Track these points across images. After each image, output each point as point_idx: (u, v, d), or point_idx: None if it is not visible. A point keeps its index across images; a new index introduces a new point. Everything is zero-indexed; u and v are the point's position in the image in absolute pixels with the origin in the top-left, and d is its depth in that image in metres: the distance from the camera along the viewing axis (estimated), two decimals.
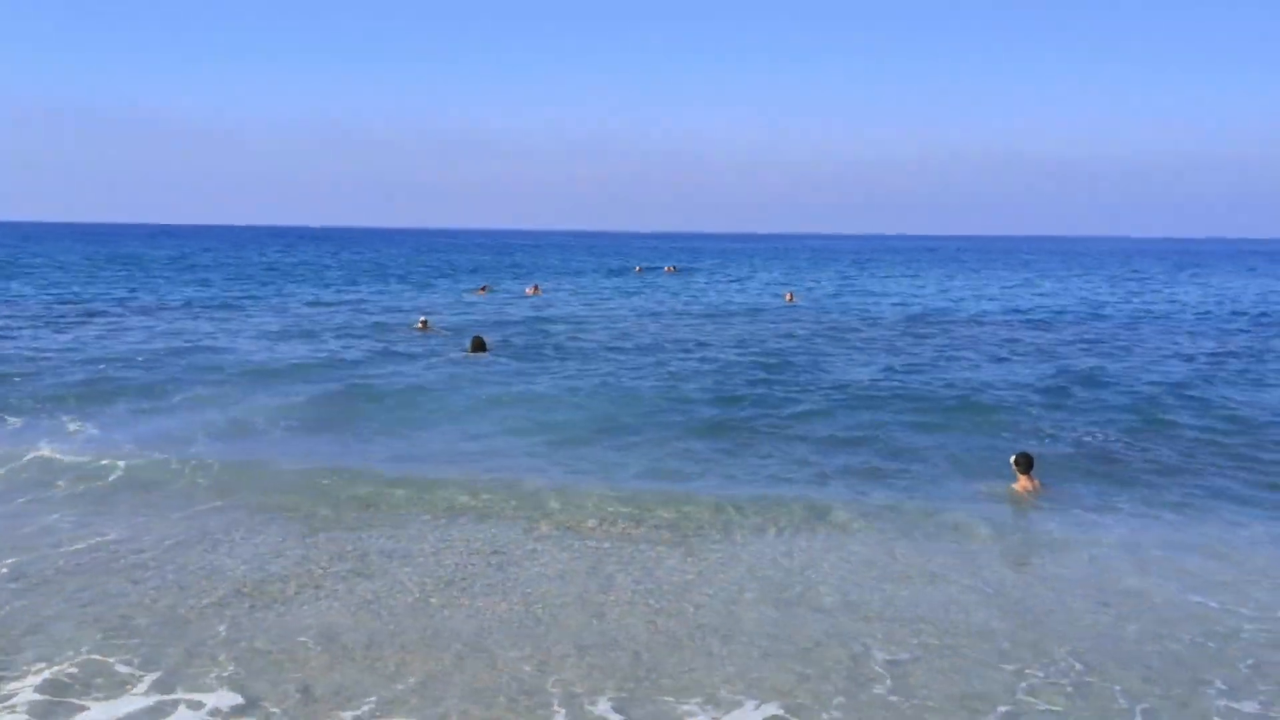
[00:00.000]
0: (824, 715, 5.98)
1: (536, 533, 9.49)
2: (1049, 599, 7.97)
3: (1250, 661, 6.91)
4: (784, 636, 7.08)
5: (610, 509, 10.13)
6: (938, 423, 14.70)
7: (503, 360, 20.54)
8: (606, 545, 9.15)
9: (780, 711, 6.02)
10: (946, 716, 5.99)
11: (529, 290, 43.28)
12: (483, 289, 44.06)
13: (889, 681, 6.42)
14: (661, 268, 71.80)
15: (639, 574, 8.36)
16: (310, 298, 37.97)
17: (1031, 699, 6.34)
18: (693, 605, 7.64)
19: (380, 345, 22.79)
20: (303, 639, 6.91)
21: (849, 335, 26.98)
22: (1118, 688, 6.51)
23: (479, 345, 21.44)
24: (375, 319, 29.27)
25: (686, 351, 22.71)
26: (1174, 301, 42.03)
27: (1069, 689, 6.47)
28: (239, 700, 6.05)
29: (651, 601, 7.71)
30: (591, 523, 9.76)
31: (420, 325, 26.49)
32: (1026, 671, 6.74)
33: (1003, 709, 6.15)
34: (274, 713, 5.93)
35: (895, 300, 41.73)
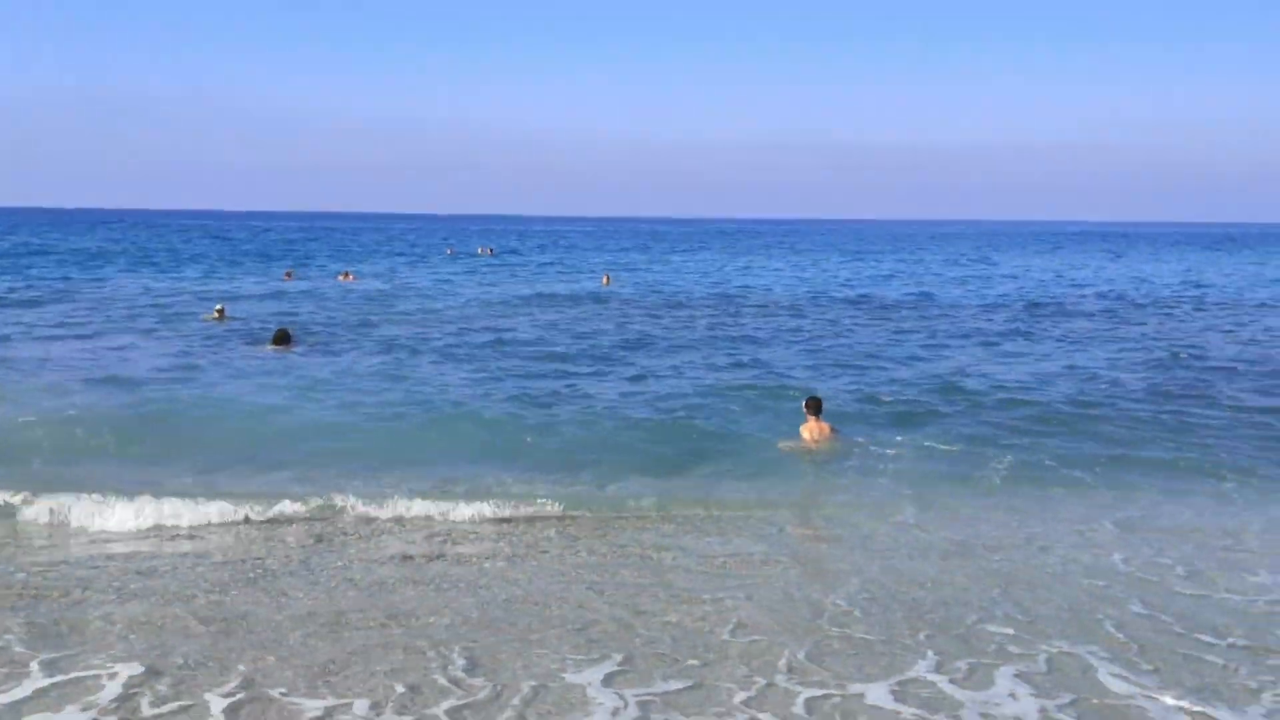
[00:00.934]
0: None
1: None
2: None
3: (999, 589, 7.60)
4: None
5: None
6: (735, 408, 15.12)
7: (301, 352, 19.69)
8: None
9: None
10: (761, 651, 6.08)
11: (341, 277, 41.86)
12: (288, 274, 42.27)
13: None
14: (476, 249, 70.87)
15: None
16: (127, 284, 35.85)
17: (832, 627, 7.02)
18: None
19: (170, 340, 21.36)
20: None
21: (665, 315, 27.38)
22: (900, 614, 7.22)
23: (282, 337, 20.28)
24: (175, 309, 27.54)
25: (488, 335, 22.55)
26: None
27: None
28: None
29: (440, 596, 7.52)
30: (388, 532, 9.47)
31: (215, 315, 25.07)
32: (826, 601, 7.47)
33: (809, 641, 6.47)
34: None
35: (713, 280, 42.77)
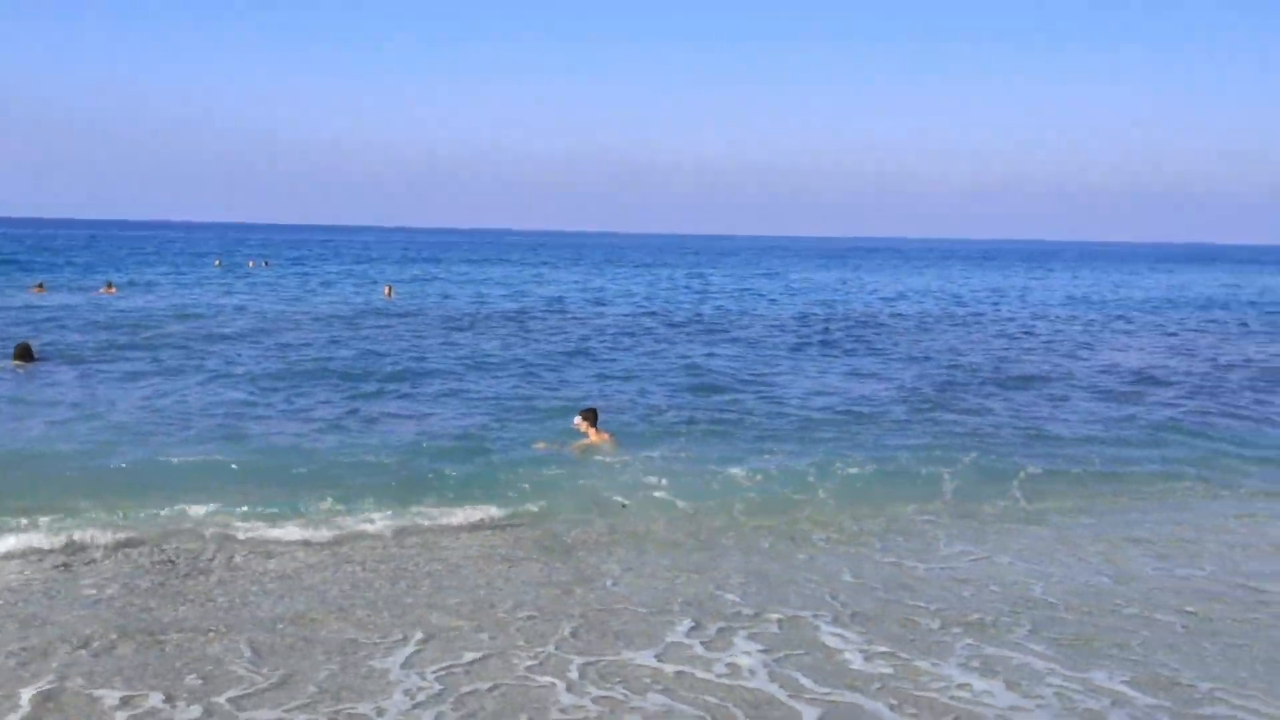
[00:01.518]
0: None
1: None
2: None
3: (738, 569, 8.67)
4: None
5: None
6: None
7: (45, 368, 18.91)
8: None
9: None
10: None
11: (102, 290, 39.68)
12: (38, 286, 39.67)
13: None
14: (247, 262, 68.32)
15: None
16: None
17: (599, 607, 7.67)
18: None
19: None
20: None
21: (449, 328, 27.84)
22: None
23: (24, 353, 19.11)
24: None
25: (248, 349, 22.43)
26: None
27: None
28: None
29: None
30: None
31: None
32: (592, 586, 8.12)
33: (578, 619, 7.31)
34: None
35: (504, 293, 43.51)
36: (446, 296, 41.93)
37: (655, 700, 6.47)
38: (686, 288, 52.39)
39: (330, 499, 10.70)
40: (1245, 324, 35.92)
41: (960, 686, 6.73)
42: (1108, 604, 8.38)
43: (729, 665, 7.02)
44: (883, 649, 7.34)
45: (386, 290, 42.32)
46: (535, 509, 10.86)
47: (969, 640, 7.53)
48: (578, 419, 13.72)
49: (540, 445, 13.35)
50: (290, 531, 9.90)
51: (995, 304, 44.27)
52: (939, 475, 12.47)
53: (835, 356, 24.03)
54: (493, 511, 10.70)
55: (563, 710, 6.31)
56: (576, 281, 56.30)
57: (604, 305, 39.08)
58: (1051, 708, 6.44)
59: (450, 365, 20.90)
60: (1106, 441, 14.74)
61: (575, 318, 33.12)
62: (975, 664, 7.10)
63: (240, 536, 9.74)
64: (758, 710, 6.37)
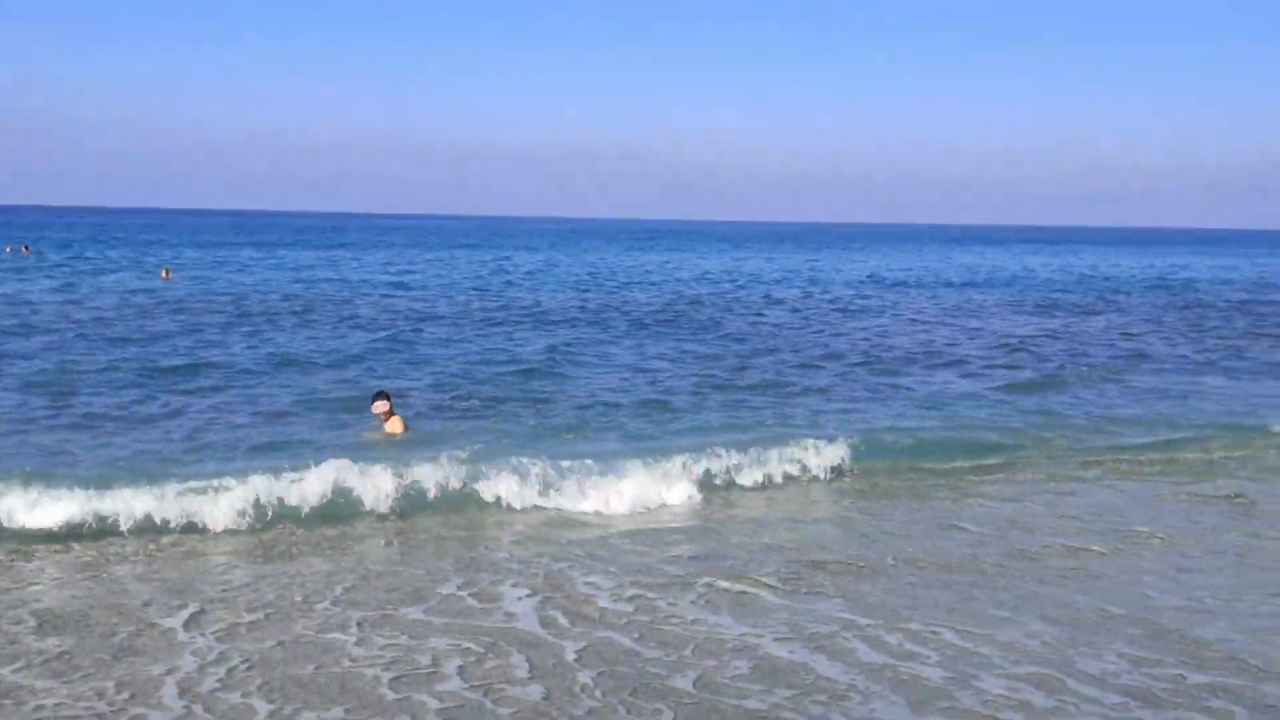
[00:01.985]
0: None
1: None
2: None
3: (507, 534, 9.57)
4: None
5: None
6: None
7: None
8: None
9: None
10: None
11: None
12: None
13: None
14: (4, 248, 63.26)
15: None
16: None
17: (378, 567, 8.33)
18: None
19: None
20: None
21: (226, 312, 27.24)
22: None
23: None
24: None
25: None
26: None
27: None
28: None
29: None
30: None
31: None
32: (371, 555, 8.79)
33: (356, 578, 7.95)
34: None
35: (296, 278, 42.51)
36: (234, 283, 40.68)
37: (438, 643, 7.28)
38: (498, 271, 52.78)
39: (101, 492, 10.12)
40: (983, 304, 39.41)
41: (695, 621, 7.85)
42: (854, 556, 9.53)
43: (503, 613, 7.89)
44: (631, 592, 8.40)
45: (164, 273, 40.78)
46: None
47: (708, 579, 8.70)
48: (375, 404, 13.52)
49: (368, 436, 13.24)
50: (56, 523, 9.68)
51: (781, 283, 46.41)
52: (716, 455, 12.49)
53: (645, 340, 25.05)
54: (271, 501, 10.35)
55: (353, 660, 7.00)
56: (380, 265, 55.61)
57: (404, 291, 38.51)
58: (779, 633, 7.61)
59: (235, 356, 20.27)
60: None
61: (370, 302, 32.94)
62: (710, 600, 8.26)
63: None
64: (529, 648, 7.27)
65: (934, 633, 7.63)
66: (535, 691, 6.58)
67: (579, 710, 6.34)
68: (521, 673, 6.85)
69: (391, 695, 6.51)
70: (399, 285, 40.89)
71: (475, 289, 40.29)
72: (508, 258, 67.33)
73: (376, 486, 10.72)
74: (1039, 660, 7.16)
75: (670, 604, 8.18)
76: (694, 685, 6.70)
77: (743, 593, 8.44)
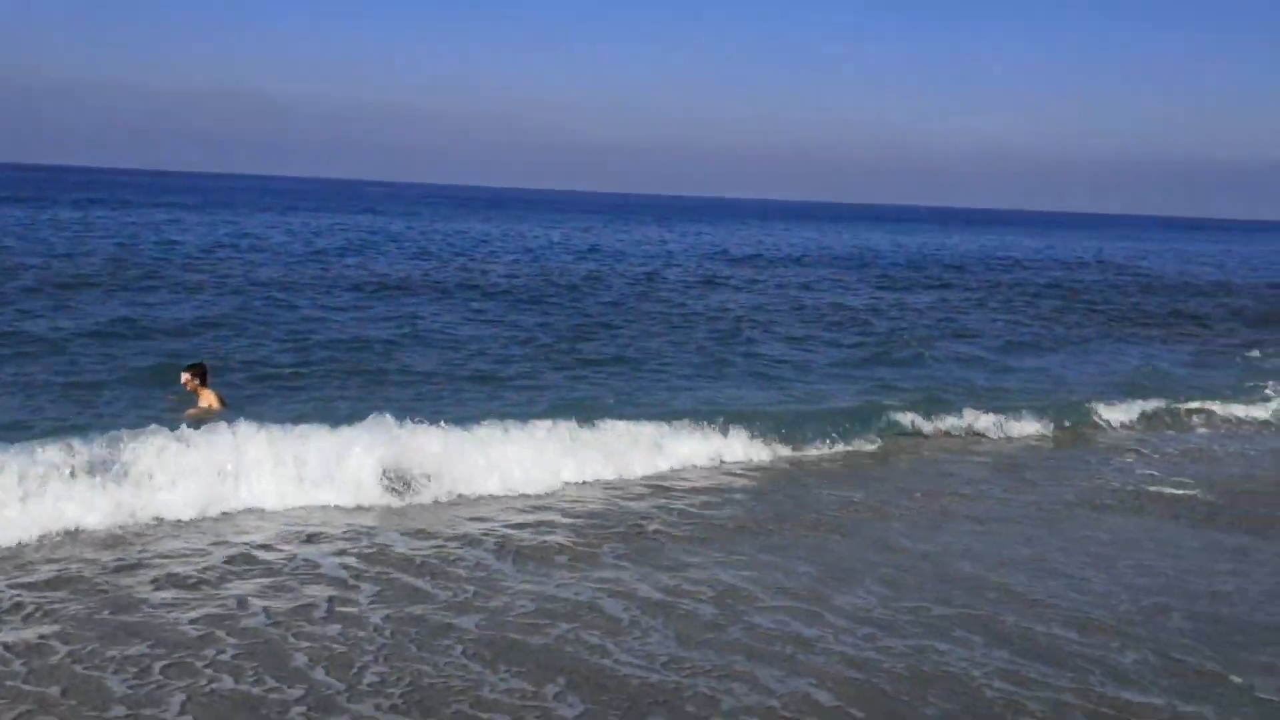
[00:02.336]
0: None
1: None
2: None
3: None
4: None
5: None
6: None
7: None
8: None
9: None
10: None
11: None
12: None
13: None
14: None
15: None
16: None
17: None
18: None
19: None
20: None
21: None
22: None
23: None
24: None
25: None
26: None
27: None
28: None
29: None
30: None
31: None
32: None
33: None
34: None
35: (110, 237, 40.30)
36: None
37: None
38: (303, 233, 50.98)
39: None
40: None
41: (478, 565, 8.28)
42: (638, 514, 10.05)
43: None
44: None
45: None
46: None
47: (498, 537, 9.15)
48: (185, 375, 12.61)
49: (191, 412, 12.07)
50: None
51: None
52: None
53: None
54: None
55: (153, 606, 7.14)
56: (210, 225, 53.11)
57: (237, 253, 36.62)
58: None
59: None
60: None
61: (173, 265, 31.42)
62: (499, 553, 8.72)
63: None
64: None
65: (710, 575, 8.29)
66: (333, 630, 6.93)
67: (372, 646, 6.70)
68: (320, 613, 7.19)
69: (194, 632, 6.75)
70: (228, 246, 39.37)
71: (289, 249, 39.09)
72: (334, 221, 65.11)
73: None
74: (801, 598, 7.91)
75: (460, 555, 8.60)
76: (477, 625, 7.15)
77: (536, 548, 8.85)
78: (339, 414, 11.94)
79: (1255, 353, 23.60)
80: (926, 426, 14.33)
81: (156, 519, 8.94)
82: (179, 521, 9.01)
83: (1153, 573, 8.86)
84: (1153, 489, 11.80)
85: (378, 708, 5.91)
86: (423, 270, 34.26)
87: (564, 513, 9.95)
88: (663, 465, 11.84)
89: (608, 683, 6.33)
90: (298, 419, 11.10)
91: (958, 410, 14.84)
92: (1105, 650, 7.13)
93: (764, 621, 7.40)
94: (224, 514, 9.31)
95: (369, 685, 6.15)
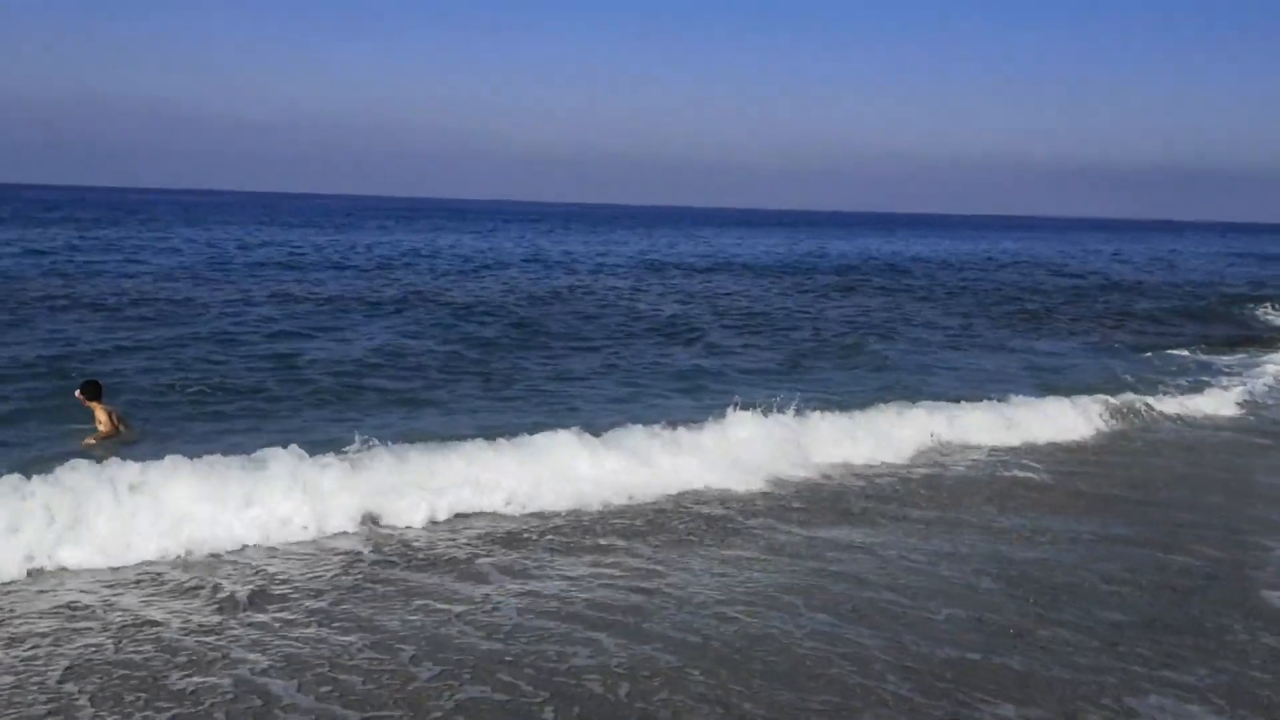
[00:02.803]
0: None
1: None
2: None
3: None
4: None
5: None
6: None
7: None
8: None
9: None
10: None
11: None
12: None
13: None
14: None
15: None
16: None
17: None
18: None
19: None
20: None
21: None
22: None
23: None
24: None
25: None
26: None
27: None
28: None
29: None
30: None
31: None
32: None
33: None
34: None
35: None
36: None
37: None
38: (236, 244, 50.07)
39: None
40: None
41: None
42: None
43: None
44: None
45: None
46: None
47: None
48: (79, 393, 11.81)
49: (89, 441, 11.49)
50: None
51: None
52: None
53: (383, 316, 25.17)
54: None
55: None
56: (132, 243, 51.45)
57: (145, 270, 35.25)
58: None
59: None
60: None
61: (107, 281, 30.96)
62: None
63: None
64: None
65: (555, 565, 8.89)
66: None
67: None
68: None
69: None
70: (135, 262, 37.90)
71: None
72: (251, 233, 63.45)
73: None
74: (642, 576, 8.59)
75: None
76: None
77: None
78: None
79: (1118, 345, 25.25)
80: None
81: None
82: None
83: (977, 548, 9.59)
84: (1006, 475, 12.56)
85: None
86: (341, 282, 33.84)
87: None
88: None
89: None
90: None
91: None
92: (924, 612, 7.84)
93: (609, 599, 7.98)
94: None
95: None
